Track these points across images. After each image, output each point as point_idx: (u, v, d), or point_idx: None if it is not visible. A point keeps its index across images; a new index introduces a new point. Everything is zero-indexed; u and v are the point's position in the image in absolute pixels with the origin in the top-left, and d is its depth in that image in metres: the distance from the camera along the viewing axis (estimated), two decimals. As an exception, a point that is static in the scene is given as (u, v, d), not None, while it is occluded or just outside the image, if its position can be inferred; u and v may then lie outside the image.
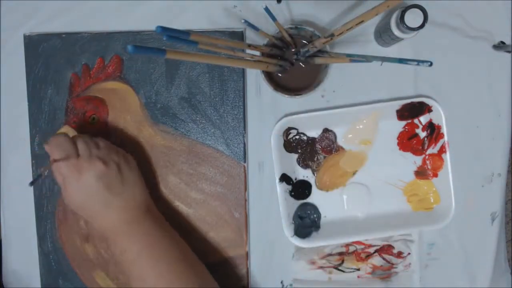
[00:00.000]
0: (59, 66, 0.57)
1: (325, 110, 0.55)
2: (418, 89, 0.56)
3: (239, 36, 0.56)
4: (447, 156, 0.55)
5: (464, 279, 0.57)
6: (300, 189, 0.56)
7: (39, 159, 0.58)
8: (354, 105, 0.55)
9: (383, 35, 0.52)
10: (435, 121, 0.55)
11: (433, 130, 0.55)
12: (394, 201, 0.56)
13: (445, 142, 0.55)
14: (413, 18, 0.45)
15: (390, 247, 0.56)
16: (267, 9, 0.45)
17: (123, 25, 0.57)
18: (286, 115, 0.55)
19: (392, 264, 0.57)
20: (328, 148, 0.56)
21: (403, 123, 0.56)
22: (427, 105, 0.55)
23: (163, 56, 0.33)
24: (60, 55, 0.57)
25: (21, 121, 0.58)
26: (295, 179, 0.57)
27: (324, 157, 0.56)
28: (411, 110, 0.55)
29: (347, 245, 0.57)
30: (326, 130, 0.56)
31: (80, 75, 0.57)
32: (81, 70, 0.57)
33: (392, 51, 0.56)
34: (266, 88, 0.51)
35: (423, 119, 0.56)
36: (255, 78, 0.57)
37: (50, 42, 0.57)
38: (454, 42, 0.55)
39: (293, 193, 0.56)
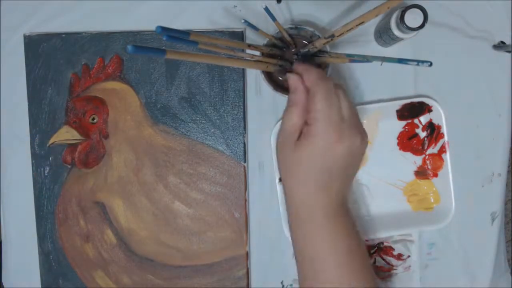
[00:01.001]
0: (59, 66, 0.57)
1: (325, 110, 0.55)
2: (418, 89, 0.56)
3: (239, 36, 0.56)
4: (447, 156, 0.55)
5: (464, 279, 0.57)
6: (300, 189, 0.56)
7: (39, 159, 0.57)
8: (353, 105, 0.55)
9: (383, 35, 0.52)
10: (435, 121, 0.55)
11: (433, 130, 0.55)
12: (394, 201, 0.56)
13: (445, 142, 0.55)
14: (413, 18, 0.45)
15: (390, 248, 0.56)
16: (267, 9, 0.45)
17: (123, 25, 0.57)
18: (286, 115, 0.55)
19: (392, 265, 0.56)
20: (328, 148, 0.56)
21: (403, 123, 0.56)
22: (427, 105, 0.55)
23: (163, 56, 0.33)
24: (60, 55, 0.57)
25: (21, 121, 0.58)
26: (295, 179, 0.56)
27: (324, 157, 0.56)
28: (411, 110, 0.55)
29: (347, 245, 0.57)
30: (326, 130, 0.56)
31: (80, 75, 0.57)
32: (81, 70, 0.57)
33: (392, 51, 0.55)
34: (266, 88, 0.51)
35: (423, 119, 0.56)
36: (255, 78, 0.57)
37: (50, 42, 0.57)
38: (454, 42, 0.55)
39: (293, 193, 0.56)
